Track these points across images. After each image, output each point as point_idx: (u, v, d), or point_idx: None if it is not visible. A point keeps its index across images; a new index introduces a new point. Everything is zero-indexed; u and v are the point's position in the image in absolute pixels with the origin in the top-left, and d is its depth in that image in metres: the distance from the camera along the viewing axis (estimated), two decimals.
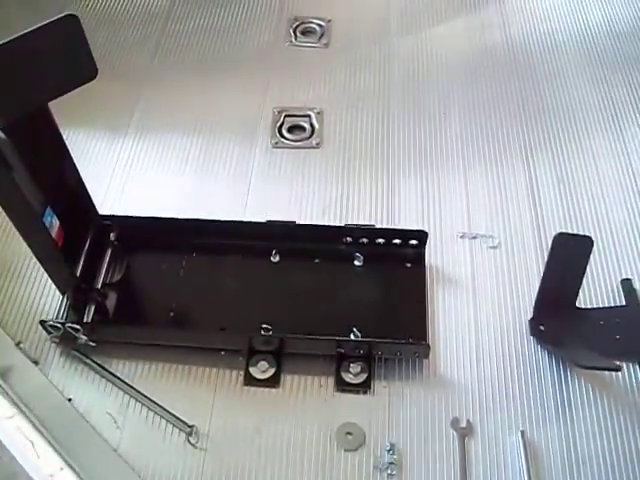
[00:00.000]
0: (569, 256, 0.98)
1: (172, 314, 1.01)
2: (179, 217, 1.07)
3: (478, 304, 1.05)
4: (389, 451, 0.91)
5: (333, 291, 1.03)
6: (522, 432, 0.92)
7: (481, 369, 0.98)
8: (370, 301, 1.02)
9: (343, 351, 0.96)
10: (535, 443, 0.92)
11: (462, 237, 1.12)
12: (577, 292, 1.01)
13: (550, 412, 0.95)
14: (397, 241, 1.05)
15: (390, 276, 1.05)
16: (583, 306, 1.04)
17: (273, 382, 0.97)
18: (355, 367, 0.96)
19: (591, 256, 1.00)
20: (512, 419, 0.94)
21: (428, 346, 0.95)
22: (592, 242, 0.98)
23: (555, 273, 0.98)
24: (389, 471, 0.90)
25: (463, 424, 0.94)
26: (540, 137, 1.28)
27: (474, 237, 1.12)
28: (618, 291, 1.06)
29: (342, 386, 0.96)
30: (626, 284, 1.06)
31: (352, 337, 0.96)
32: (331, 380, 0.97)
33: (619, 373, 0.98)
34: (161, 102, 1.36)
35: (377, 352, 0.96)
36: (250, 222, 1.09)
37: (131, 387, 0.97)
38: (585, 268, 0.99)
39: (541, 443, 0.92)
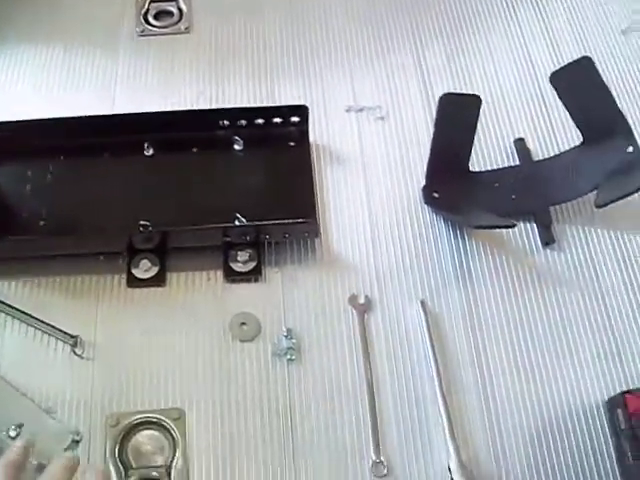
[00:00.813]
0: (457, 116, 0.93)
1: (43, 222, 0.92)
2: (37, 118, 0.98)
3: (369, 178, 1.00)
4: (287, 336, 0.86)
5: (214, 180, 0.96)
6: (422, 301, 0.90)
7: (376, 243, 0.94)
8: (255, 186, 0.95)
9: (230, 239, 0.90)
10: (436, 311, 0.90)
11: (348, 111, 1.06)
12: (469, 154, 0.97)
13: (449, 278, 0.92)
14: (278, 120, 0.98)
15: (273, 158, 0.98)
16: (477, 169, 1.01)
17: (158, 281, 0.90)
18: (243, 255, 0.90)
19: (483, 118, 0.97)
20: (411, 290, 0.91)
21: (316, 223, 0.90)
22: (480, 100, 0.94)
23: (444, 135, 0.94)
24: (288, 356, 0.86)
25: (361, 300, 0.90)
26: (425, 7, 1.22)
27: (360, 110, 1.05)
28: (512, 151, 1.03)
29: (232, 276, 0.91)
30: (519, 143, 1.03)
31: (237, 223, 0.90)
32: (220, 273, 0.92)
33: (515, 231, 0.95)
34: (6, 14, 1.20)
35: (265, 236, 0.91)
36: (117, 115, 1.00)
37: (6, 305, 0.89)
38: (475, 127, 0.95)
39: (442, 310, 0.90)
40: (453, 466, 0.79)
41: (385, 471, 0.81)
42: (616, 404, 0.83)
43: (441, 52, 1.14)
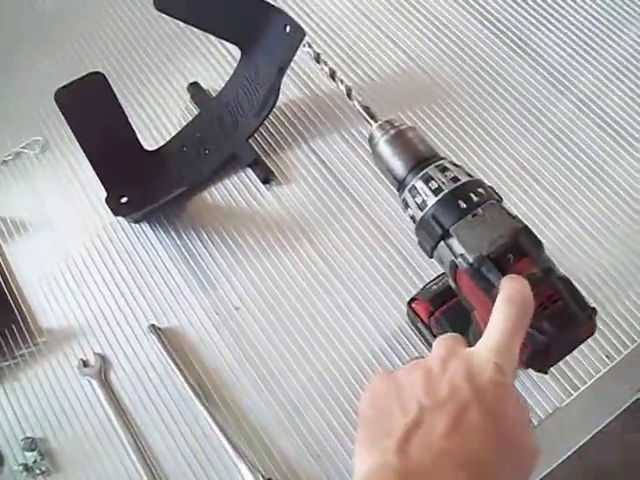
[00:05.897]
0: (89, 103, 0.76)
1: None
2: None
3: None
4: (28, 449, 0.70)
5: None
6: (152, 325, 0.74)
7: (77, 294, 0.78)
8: None
9: None
10: (181, 335, 0.75)
11: None
12: (134, 135, 0.80)
13: (183, 290, 0.77)
14: None
15: None
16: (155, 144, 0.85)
17: None
18: None
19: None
20: (143, 320, 0.76)
21: None
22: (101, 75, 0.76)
23: (90, 131, 0.76)
24: (38, 470, 0.69)
25: (92, 361, 0.74)
26: None
27: None
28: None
29: None
30: (193, 88, 0.87)
31: None
32: None
33: (234, 190, 0.80)
34: None
35: None
36: None
37: None
38: (118, 103, 0.78)
39: (187, 331, 0.75)
40: None
41: None
42: (414, 320, 0.69)
43: None
